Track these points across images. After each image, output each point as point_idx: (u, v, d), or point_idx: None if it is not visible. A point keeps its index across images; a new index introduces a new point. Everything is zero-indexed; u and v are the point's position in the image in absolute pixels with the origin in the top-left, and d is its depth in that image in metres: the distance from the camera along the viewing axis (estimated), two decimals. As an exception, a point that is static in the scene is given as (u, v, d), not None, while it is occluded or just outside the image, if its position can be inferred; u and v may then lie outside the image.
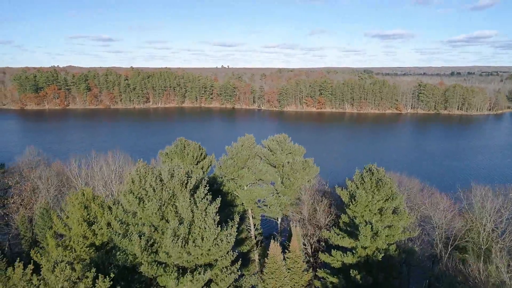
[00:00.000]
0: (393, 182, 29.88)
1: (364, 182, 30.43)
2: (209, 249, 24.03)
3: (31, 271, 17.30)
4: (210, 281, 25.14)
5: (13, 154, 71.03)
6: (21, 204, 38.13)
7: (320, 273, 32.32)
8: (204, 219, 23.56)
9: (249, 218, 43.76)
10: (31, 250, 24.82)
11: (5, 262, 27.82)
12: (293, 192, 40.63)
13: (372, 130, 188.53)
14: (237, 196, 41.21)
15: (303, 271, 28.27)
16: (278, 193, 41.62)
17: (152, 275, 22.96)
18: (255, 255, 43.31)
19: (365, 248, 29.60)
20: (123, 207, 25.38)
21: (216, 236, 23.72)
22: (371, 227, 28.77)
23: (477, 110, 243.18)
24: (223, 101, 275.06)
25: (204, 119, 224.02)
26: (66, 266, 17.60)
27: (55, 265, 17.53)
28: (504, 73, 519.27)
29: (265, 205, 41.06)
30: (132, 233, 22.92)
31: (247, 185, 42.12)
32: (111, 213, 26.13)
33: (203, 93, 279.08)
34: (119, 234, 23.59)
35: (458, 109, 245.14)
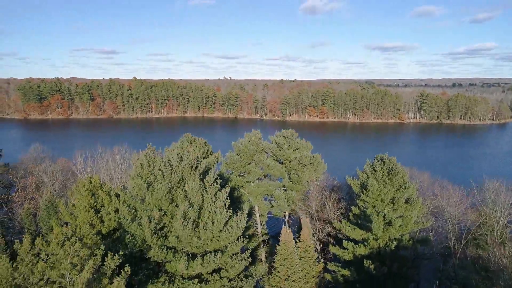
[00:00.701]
0: (405, 171, 29.32)
1: (376, 171, 29.92)
2: (219, 235, 23.47)
3: (40, 244, 16.77)
4: (219, 269, 24.48)
5: (15, 159, 70.59)
6: (25, 198, 37.63)
7: (331, 266, 31.56)
8: (214, 203, 23.06)
9: (256, 215, 43.08)
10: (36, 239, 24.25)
11: (9, 254, 27.18)
12: (301, 188, 40.05)
13: (375, 139, 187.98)
14: (244, 193, 40.65)
15: (314, 261, 27.59)
16: (285, 189, 41.02)
17: (162, 259, 22.34)
18: (261, 254, 42.49)
19: (377, 239, 28.90)
20: (131, 193, 24.92)
21: (227, 219, 23.20)
22: (384, 216, 28.17)
23: (480, 119, 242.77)
24: (226, 111, 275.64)
25: (207, 128, 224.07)
26: (76, 241, 17.08)
27: (65, 240, 17.01)
28: (506, 85, 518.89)
29: (272, 199, 40.41)
30: (142, 216, 22.38)
31: (253, 182, 41.67)
32: (119, 200, 25.64)
33: (205, 103, 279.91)
34: (128, 218, 23.03)
35: (461, 118, 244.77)
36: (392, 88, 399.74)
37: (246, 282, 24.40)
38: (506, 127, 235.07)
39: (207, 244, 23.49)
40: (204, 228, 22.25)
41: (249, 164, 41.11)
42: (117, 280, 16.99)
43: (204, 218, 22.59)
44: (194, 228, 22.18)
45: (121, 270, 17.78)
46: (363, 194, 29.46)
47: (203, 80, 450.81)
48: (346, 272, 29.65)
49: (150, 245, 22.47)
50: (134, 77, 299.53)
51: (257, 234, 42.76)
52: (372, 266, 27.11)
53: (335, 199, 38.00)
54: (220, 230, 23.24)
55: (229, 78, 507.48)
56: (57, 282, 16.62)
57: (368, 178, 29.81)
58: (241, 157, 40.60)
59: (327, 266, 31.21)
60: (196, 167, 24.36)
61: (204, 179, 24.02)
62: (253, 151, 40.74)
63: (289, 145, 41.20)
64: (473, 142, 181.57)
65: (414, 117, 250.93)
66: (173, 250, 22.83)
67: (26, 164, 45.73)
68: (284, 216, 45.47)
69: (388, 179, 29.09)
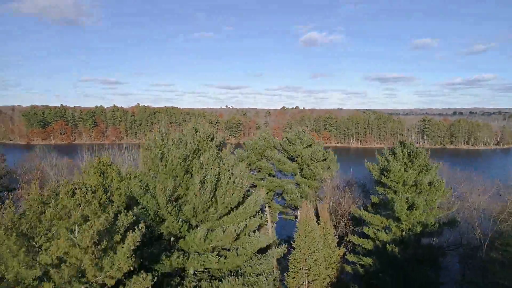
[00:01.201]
0: (426, 153, 28.19)
1: (395, 154, 28.79)
2: (236, 211, 22.13)
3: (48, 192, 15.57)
4: (236, 248, 22.85)
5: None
6: (29, 193, 36.04)
7: (350, 257, 29.81)
8: (231, 174, 21.83)
9: (266, 215, 41.44)
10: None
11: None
12: (315, 184, 38.61)
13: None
14: (253, 192, 39.26)
15: (334, 246, 25.90)
16: (298, 185, 39.58)
17: (176, 232, 20.80)
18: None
19: (400, 225, 27.27)
20: (143, 168, 23.72)
21: (246, 190, 21.94)
22: (407, 199, 26.74)
23: (483, 144, 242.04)
24: (229, 137, 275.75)
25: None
26: (88, 190, 15.88)
27: (75, 188, 15.81)
28: (506, 113, 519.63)
29: (285, 193, 38.85)
30: (155, 187, 21.06)
31: (264, 179, 40.49)
32: (130, 176, 24.38)
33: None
34: (140, 191, 21.76)
35: (464, 143, 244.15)
36: (394, 116, 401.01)
37: (265, 260, 22.74)
38: (510, 152, 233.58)
39: (223, 220, 22.11)
40: (222, 197, 20.90)
41: (259, 160, 40.03)
42: (131, 235, 15.56)
43: (222, 189, 21.28)
44: (211, 198, 20.85)
45: (135, 227, 16.43)
46: (384, 177, 28.16)
47: (206, 109, 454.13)
48: (368, 260, 27.84)
49: (163, 218, 21.05)
50: (138, 104, 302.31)
51: (268, 235, 40.96)
52: (396, 249, 25.43)
53: (350, 194, 36.61)
54: (238, 203, 21.93)
55: (231, 107, 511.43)
56: (64, 236, 15.21)
57: (388, 162, 28.64)
58: (251, 153, 39.59)
59: (346, 257, 29.45)
60: (213, 138, 23.32)
61: (220, 152, 22.96)
62: (264, 147, 39.77)
63: (300, 142, 40.17)
64: (481, 165, 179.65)
65: (417, 142, 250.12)
66: (188, 224, 21.37)
67: (30, 163, 44.61)
68: (296, 217, 43.77)
69: (409, 161, 27.90)
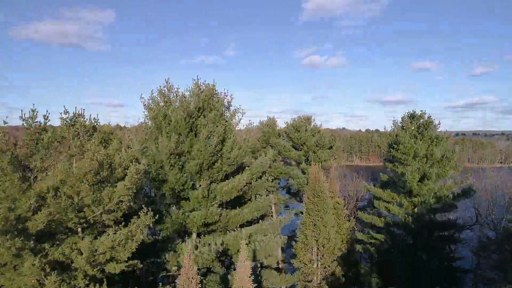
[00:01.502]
0: (435, 125, 27.39)
1: (405, 128, 28.03)
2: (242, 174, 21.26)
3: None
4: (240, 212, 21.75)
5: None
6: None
7: (359, 235, 28.58)
8: (237, 132, 21.15)
9: (271, 207, 40.25)
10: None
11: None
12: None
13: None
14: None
15: (344, 218, 24.73)
16: (304, 172, 38.56)
17: (179, 189, 19.80)
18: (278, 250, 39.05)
19: (412, 199, 26.16)
20: (145, 129, 22.98)
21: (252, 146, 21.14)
22: (418, 169, 25.78)
23: (489, 162, 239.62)
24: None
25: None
26: (86, 121, 15.18)
27: (76, 119, 15.14)
28: (509, 135, 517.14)
29: (290, 179, 37.73)
30: (157, 145, 20.19)
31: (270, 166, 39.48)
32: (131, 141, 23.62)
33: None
34: (141, 147, 21.01)
35: (468, 161, 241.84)
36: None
37: (269, 225, 21.67)
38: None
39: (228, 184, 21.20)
40: (228, 152, 20.09)
41: (264, 147, 39.25)
42: (133, 166, 14.69)
43: (227, 146, 20.48)
44: (217, 152, 20.02)
45: (137, 162, 15.63)
46: (393, 150, 27.30)
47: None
48: (379, 236, 26.57)
49: (166, 178, 20.06)
50: (141, 122, 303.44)
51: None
52: (409, 219, 24.26)
53: (358, 180, 35.61)
54: (243, 165, 21.11)
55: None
56: (61, 165, 14.31)
57: (397, 136, 27.84)
58: (255, 140, 38.84)
59: (355, 234, 28.21)
60: (218, 100, 22.63)
61: (227, 111, 22.30)
62: (269, 134, 39.14)
63: (306, 129, 39.45)
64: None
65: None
66: (192, 183, 20.43)
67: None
68: (302, 212, 42.48)
69: (418, 133, 27.11)
